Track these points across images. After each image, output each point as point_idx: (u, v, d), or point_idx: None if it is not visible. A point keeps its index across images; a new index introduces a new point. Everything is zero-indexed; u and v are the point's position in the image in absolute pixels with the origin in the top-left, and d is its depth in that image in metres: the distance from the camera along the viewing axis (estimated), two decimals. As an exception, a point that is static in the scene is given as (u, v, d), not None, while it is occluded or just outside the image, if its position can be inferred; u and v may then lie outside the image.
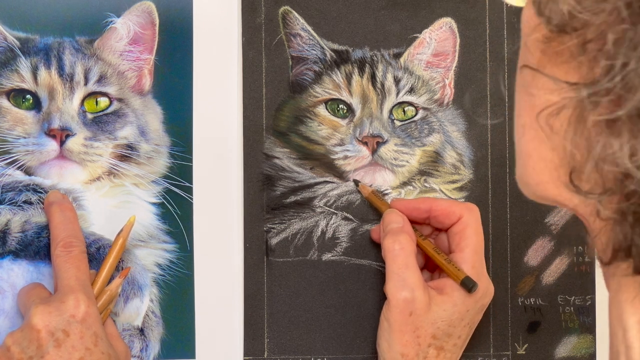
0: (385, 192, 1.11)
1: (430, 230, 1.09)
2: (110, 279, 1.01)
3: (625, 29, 0.61)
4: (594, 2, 0.62)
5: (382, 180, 1.11)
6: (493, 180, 1.12)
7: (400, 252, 1.02)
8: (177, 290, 1.07)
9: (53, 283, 1.00)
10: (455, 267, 1.03)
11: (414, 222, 1.07)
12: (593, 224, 0.69)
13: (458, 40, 1.12)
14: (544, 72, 0.67)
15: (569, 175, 0.67)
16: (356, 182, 1.09)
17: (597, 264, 0.71)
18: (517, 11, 1.13)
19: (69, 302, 0.94)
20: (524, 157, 0.71)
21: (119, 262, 1.02)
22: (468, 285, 1.02)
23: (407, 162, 1.11)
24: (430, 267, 1.09)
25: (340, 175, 1.11)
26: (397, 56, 1.11)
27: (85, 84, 1.05)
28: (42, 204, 1.03)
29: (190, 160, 1.07)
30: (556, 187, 0.70)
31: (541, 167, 0.70)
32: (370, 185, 1.10)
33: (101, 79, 1.05)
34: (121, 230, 1.01)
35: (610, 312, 0.70)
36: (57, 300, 0.94)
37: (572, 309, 1.13)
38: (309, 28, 1.11)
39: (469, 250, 1.04)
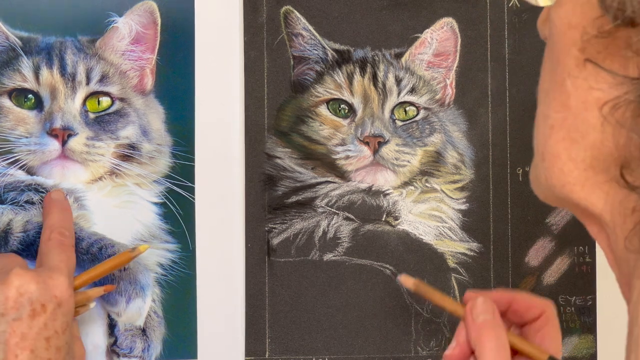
0: (387, 192, 1.11)
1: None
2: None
3: None
4: None
5: (384, 180, 1.11)
6: (494, 180, 1.12)
7: (501, 349, 0.86)
8: (179, 290, 1.07)
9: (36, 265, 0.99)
10: (538, 347, 0.95)
11: None
12: (621, 222, 0.68)
13: (459, 40, 1.12)
14: (603, 67, 0.66)
15: (619, 170, 0.66)
16: (396, 275, 1.08)
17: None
18: (518, 11, 1.13)
19: (55, 281, 0.93)
20: (550, 158, 0.70)
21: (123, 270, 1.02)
22: None
23: (409, 162, 1.11)
24: None
25: (342, 175, 1.11)
26: (399, 56, 1.12)
27: (87, 83, 1.05)
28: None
29: (192, 160, 1.07)
30: (582, 188, 0.69)
31: (570, 168, 0.69)
32: (371, 187, 1.10)
33: (103, 78, 1.05)
34: (134, 249, 1.00)
35: (630, 313, 0.70)
36: (46, 275, 0.93)
37: (573, 309, 1.13)
38: (311, 28, 1.11)
39: (556, 346, 0.93)
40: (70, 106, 1.04)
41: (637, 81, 0.64)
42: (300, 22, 1.10)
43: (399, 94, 1.11)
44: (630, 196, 0.66)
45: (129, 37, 1.06)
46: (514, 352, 0.93)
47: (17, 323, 0.91)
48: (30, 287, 0.92)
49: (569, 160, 0.69)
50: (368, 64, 1.11)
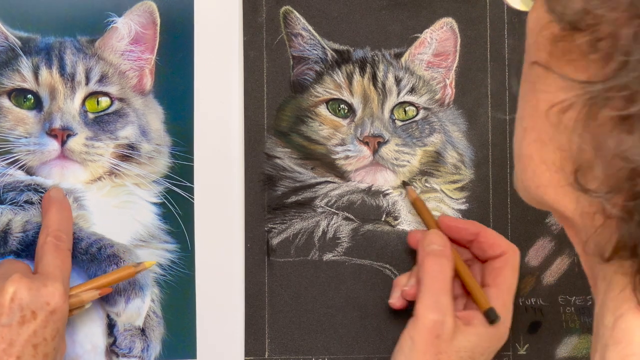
0: (387, 192, 1.11)
1: (466, 257, 1.08)
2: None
3: None
4: None
5: (383, 180, 1.11)
6: (494, 181, 1.12)
7: (439, 275, 1.01)
8: (178, 291, 1.07)
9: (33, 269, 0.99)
10: (484, 296, 1.03)
11: (455, 242, 1.06)
12: (588, 226, 0.69)
13: (459, 40, 1.12)
14: (554, 70, 0.67)
15: (574, 173, 0.67)
16: (405, 183, 1.09)
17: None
18: (518, 11, 1.12)
19: (48, 288, 0.94)
20: (524, 160, 0.71)
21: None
22: (491, 316, 1.02)
23: (408, 162, 1.11)
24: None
25: (342, 175, 1.10)
26: (398, 56, 1.11)
27: (87, 83, 1.05)
28: (44, 202, 1.03)
29: (192, 160, 1.07)
30: (555, 191, 0.70)
31: (542, 170, 0.70)
32: (370, 187, 1.10)
33: (102, 78, 1.05)
34: (138, 264, 1.01)
35: (596, 314, 0.71)
36: (40, 281, 0.94)
37: (572, 309, 1.13)
38: (310, 28, 1.11)
39: (505, 288, 1.03)
40: (70, 106, 1.04)
41: (585, 84, 0.64)
42: (300, 22, 1.10)
43: (398, 94, 1.11)
44: (594, 199, 0.66)
45: (128, 37, 1.06)
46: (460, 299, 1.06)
47: (6, 329, 0.92)
48: (22, 293, 0.93)
49: (541, 163, 0.70)
50: (368, 64, 1.11)
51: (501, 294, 1.03)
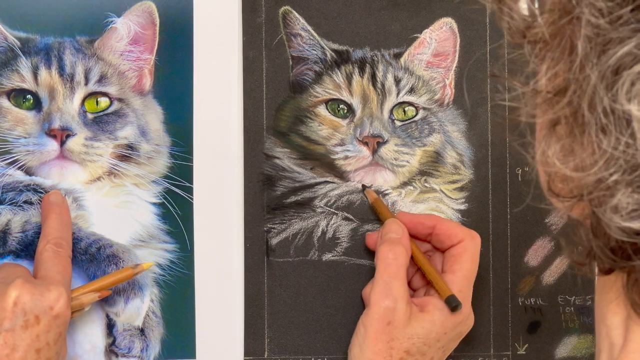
0: (386, 192, 1.11)
1: (427, 248, 1.08)
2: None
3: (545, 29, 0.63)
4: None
5: (383, 180, 1.11)
6: (493, 181, 1.12)
7: (392, 262, 1.02)
8: (178, 291, 1.07)
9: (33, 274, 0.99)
10: (445, 283, 1.03)
11: (415, 237, 1.07)
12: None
13: (458, 40, 1.12)
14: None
15: (547, 179, 0.68)
16: (364, 187, 1.09)
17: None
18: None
19: (52, 292, 0.94)
20: (537, 164, 0.72)
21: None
22: (452, 303, 1.02)
23: (408, 162, 1.11)
24: (412, 285, 1.08)
25: (341, 175, 1.11)
26: (398, 56, 1.12)
27: (86, 84, 1.05)
28: (43, 202, 1.03)
29: (191, 161, 1.07)
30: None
31: (544, 179, 0.71)
32: (370, 186, 1.10)
33: (102, 79, 1.05)
34: (136, 266, 1.01)
35: (596, 311, 0.71)
36: (43, 286, 0.94)
37: (572, 309, 1.13)
38: (310, 28, 1.11)
39: (461, 274, 1.04)
40: (69, 106, 1.04)
41: (534, 95, 0.66)
42: (299, 23, 1.10)
43: (398, 94, 1.11)
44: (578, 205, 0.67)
45: (128, 38, 1.06)
46: (422, 288, 1.07)
47: (10, 334, 0.92)
48: (25, 298, 0.93)
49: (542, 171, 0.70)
50: (367, 64, 1.11)
51: (457, 280, 1.04)
